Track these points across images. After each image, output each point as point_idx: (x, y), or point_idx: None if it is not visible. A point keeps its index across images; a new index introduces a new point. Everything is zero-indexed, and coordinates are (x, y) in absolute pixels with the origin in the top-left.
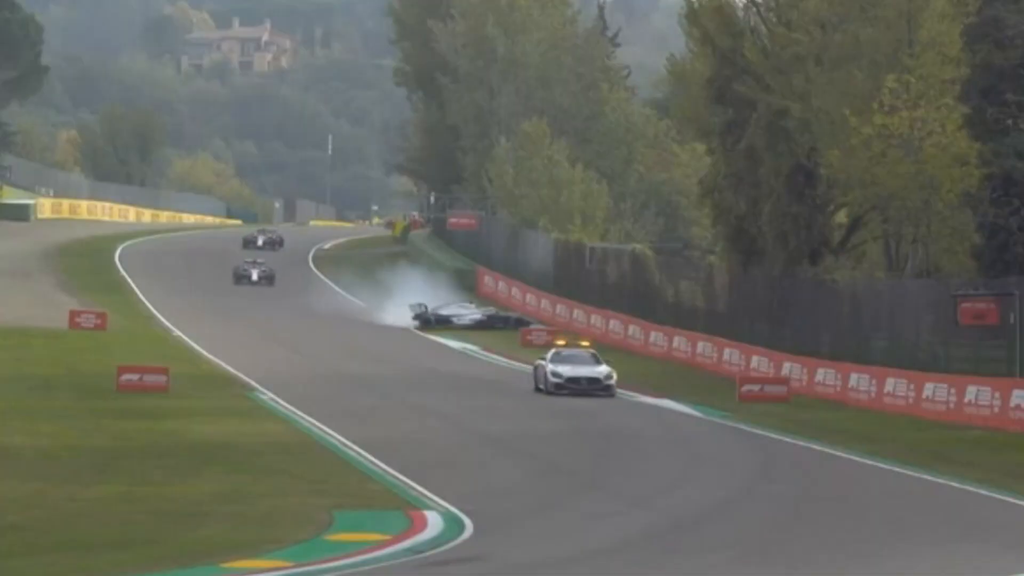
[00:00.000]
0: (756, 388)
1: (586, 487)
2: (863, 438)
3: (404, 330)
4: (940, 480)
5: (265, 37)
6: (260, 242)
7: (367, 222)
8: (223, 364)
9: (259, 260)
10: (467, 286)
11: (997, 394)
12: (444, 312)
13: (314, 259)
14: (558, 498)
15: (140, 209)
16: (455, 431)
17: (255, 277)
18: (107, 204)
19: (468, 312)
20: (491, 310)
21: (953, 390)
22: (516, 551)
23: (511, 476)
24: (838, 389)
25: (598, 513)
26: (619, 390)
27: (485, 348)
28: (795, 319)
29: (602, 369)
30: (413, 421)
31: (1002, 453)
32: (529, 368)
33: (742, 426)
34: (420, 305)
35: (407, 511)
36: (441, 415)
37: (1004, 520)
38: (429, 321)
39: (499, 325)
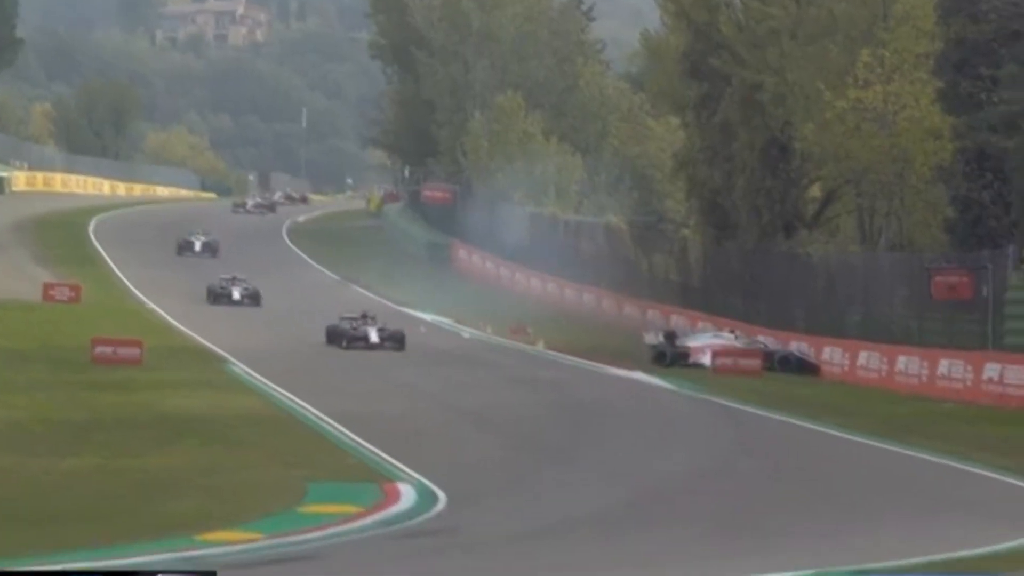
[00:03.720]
0: (729, 361)
1: (560, 460)
2: (837, 411)
3: (378, 303)
4: (914, 453)
5: (240, 10)
6: (197, 247)
7: (351, 194)
8: (198, 337)
9: (239, 276)
10: (441, 259)
11: (970, 367)
12: (689, 342)
13: (289, 233)
14: (532, 471)
15: (114, 182)
16: (430, 404)
17: (236, 296)
18: (81, 177)
19: (718, 341)
20: (758, 341)
21: (926, 363)
22: (489, 523)
23: (486, 449)
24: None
25: (572, 486)
26: (592, 363)
27: (458, 321)
28: (769, 292)
29: None
30: (388, 394)
31: (975, 425)
32: (508, 343)
33: (716, 399)
34: (661, 334)
35: (381, 484)
36: (416, 388)
37: (977, 493)
38: (664, 356)
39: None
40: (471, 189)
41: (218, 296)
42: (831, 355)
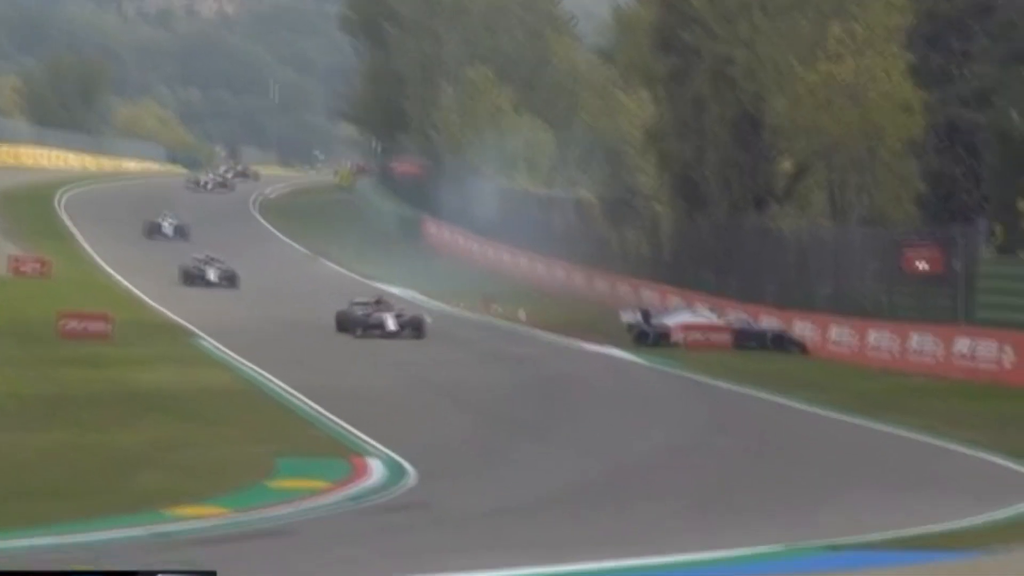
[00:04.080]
0: (700, 336)
1: (534, 436)
2: (808, 386)
3: (349, 278)
4: (885, 428)
5: None
6: (168, 231)
7: (318, 168)
8: (167, 312)
9: (213, 256)
10: (412, 233)
11: (941, 341)
12: (667, 320)
13: (259, 208)
14: (504, 447)
15: (84, 156)
16: (400, 378)
17: (212, 278)
18: (50, 151)
19: (698, 320)
20: (743, 318)
21: (897, 337)
22: (460, 499)
23: (458, 424)
24: None
25: (546, 462)
26: (565, 338)
27: (424, 293)
28: (740, 266)
29: None
30: (357, 368)
31: (946, 400)
32: (481, 318)
33: (688, 374)
34: (639, 313)
35: (349, 458)
36: (386, 362)
37: (948, 468)
38: (647, 336)
39: (751, 344)
40: (442, 163)
41: (193, 277)
42: (802, 329)
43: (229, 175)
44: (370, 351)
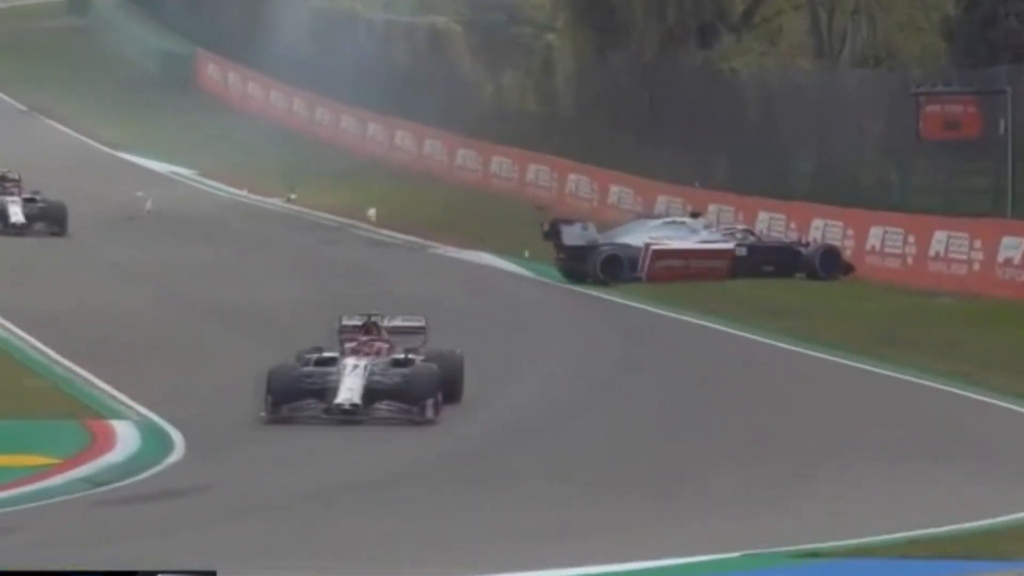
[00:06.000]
0: (679, 263)
1: None
2: (780, 311)
3: (77, 141)
4: (889, 373)
5: None
6: None
7: None
8: None
9: (9, 174)
10: (180, 78)
11: (977, 243)
12: (629, 239)
13: None
14: None
15: None
16: (162, 299)
17: (17, 217)
18: None
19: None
20: (743, 231)
21: (912, 238)
22: (251, 482)
23: (248, 368)
24: None
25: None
26: (414, 238)
27: (205, 173)
28: (676, 129)
29: None
30: (99, 283)
31: (983, 329)
32: (274, 204)
33: (594, 292)
34: (593, 227)
35: (85, 421)
36: (141, 274)
37: (980, 433)
38: (619, 266)
39: (768, 268)
40: None
41: None
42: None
43: None
44: (114, 259)
